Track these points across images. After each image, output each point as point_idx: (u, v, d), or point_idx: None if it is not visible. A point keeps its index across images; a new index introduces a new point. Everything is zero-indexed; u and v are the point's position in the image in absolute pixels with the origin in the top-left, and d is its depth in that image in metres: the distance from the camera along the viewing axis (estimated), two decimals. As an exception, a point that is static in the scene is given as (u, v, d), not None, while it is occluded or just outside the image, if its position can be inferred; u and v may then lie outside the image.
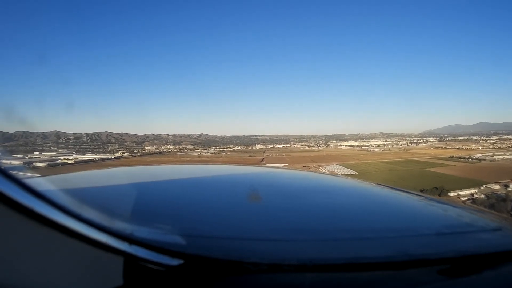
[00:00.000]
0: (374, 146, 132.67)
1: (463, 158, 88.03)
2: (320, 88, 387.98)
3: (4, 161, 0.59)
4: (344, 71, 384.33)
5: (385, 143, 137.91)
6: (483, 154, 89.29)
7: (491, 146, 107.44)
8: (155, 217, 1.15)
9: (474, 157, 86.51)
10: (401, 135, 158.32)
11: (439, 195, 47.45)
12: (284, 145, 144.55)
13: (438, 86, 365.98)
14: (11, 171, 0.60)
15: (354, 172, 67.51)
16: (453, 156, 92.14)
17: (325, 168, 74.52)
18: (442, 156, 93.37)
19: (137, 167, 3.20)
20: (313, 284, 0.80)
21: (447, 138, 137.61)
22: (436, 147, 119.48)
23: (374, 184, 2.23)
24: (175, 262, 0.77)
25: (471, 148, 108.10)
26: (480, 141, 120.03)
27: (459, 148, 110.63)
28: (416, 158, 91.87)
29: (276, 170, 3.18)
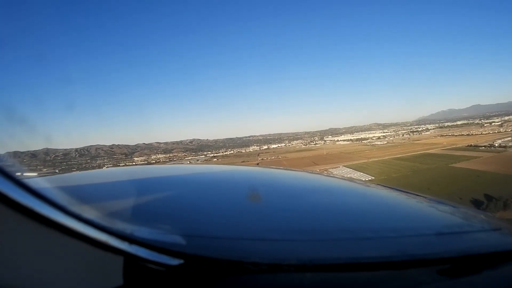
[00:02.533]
0: (375, 138, 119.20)
1: (484, 146, 74.33)
2: (311, 83, 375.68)
3: (4, 161, 0.53)
4: (334, 64, 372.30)
5: (384, 134, 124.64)
6: (503, 140, 75.83)
7: (502, 130, 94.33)
8: (155, 217, 1.12)
9: (496, 145, 73.01)
10: (396, 124, 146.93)
11: (504, 208, 32.60)
12: (279, 145, 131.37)
13: (429, 72, 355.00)
14: (11, 171, 0.58)
15: (370, 177, 52.99)
16: (471, 145, 78.31)
17: (331, 172, 59.78)
18: (458, 146, 79.69)
19: (137, 167, 2.69)
20: (313, 284, 0.78)
21: (446, 124, 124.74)
22: (442, 135, 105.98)
23: (374, 184, 2.17)
24: (175, 262, 0.75)
25: (481, 134, 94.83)
26: (485, 125, 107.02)
27: (468, 135, 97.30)
28: (431, 151, 77.95)
29: (276, 170, 3.16)
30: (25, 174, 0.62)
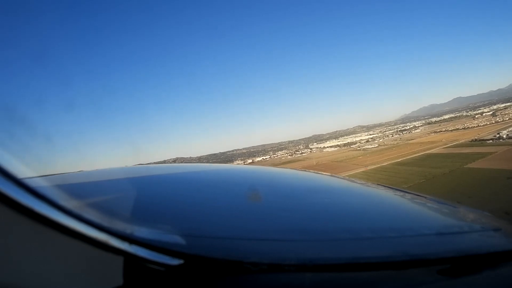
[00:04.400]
0: (363, 142, 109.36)
1: (491, 139, 64.93)
2: (292, 92, 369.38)
3: (4, 161, 0.57)
4: (313, 71, 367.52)
5: (372, 136, 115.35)
6: (509, 130, 66.75)
7: (498, 119, 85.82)
8: (155, 217, 1.10)
9: (504, 136, 63.79)
10: (380, 124, 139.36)
11: None
12: (264, 158, 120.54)
13: (408, 70, 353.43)
14: (11, 171, 0.57)
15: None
16: (475, 139, 68.84)
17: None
18: (461, 142, 70.20)
19: (136, 166, 2.78)
20: (313, 284, 0.77)
21: (433, 120, 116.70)
22: (435, 132, 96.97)
23: (373, 184, 2.13)
24: (175, 262, 0.74)
25: (478, 126, 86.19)
26: (476, 116, 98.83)
27: (465, 128, 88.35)
28: (432, 150, 68.07)
29: (276, 170, 3.13)
30: (25, 174, 0.64)
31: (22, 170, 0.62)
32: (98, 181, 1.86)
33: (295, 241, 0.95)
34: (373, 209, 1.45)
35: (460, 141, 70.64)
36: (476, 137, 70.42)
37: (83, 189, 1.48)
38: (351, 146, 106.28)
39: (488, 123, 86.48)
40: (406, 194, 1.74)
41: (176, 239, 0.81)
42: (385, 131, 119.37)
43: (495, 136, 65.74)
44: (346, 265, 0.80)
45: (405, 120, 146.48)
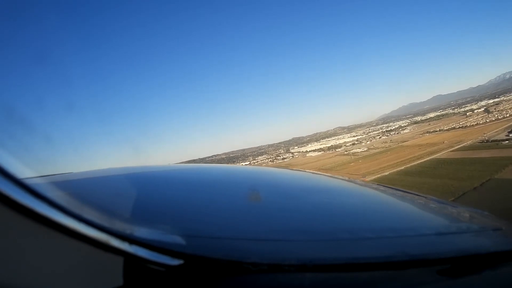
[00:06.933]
0: (349, 144, 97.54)
1: (506, 140, 53.87)
2: (268, 93, 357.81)
3: (4, 161, 0.55)
4: (290, 72, 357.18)
5: (357, 138, 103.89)
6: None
7: (499, 116, 75.93)
8: (155, 217, 1.08)
9: (522, 136, 52.20)
10: (361, 125, 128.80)
11: None
12: (243, 163, 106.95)
13: (384, 69, 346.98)
14: (11, 171, 0.55)
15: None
16: (486, 140, 57.65)
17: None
18: (469, 144, 59.68)
19: (136, 166, 2.70)
20: (313, 284, 0.75)
21: (419, 119, 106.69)
22: (428, 132, 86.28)
23: (373, 184, 2.13)
24: (175, 262, 0.72)
25: (478, 124, 75.62)
26: (468, 114, 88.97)
27: (462, 127, 77.97)
28: (438, 155, 57.01)
29: (276, 170, 3.12)
30: (25, 174, 0.62)
31: (22, 170, 0.60)
32: (98, 181, 1.79)
33: (295, 241, 0.93)
34: (373, 209, 1.42)
35: (467, 143, 59.87)
36: (485, 138, 59.62)
37: (83, 189, 1.44)
38: (337, 150, 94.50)
39: (487, 120, 76.54)
40: (406, 194, 1.72)
41: (176, 239, 0.80)
42: (369, 132, 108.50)
43: (507, 135, 54.90)
44: (346, 265, 0.79)
45: (386, 120, 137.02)
